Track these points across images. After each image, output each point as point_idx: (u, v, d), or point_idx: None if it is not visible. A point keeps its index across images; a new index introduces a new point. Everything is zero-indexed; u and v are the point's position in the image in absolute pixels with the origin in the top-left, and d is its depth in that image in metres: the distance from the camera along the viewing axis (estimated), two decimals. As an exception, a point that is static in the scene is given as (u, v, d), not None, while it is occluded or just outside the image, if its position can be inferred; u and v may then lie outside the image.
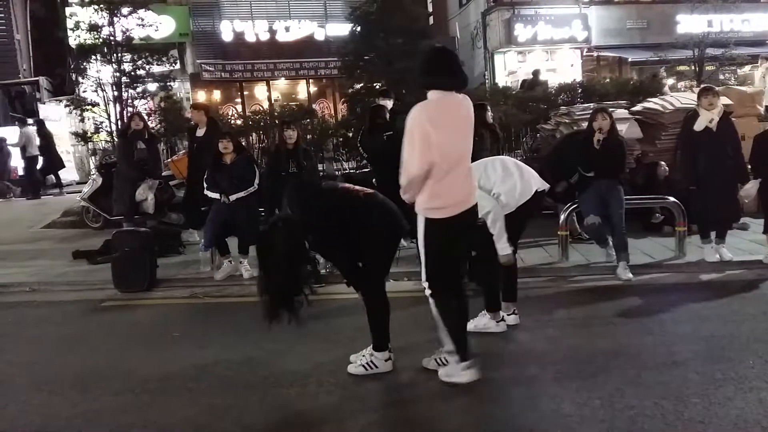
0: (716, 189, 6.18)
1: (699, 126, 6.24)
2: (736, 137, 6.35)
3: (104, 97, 11.61)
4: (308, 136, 10.19)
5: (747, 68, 14.51)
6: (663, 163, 7.86)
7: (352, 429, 3.31)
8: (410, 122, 3.62)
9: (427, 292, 3.82)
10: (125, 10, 11.34)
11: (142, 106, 11.84)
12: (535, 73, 13.85)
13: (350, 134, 10.45)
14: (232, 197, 6.56)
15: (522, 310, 5.00)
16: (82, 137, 12.15)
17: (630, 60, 17.01)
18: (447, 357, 3.80)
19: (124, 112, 11.28)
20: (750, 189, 6.34)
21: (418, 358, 4.24)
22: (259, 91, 19.01)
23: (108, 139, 12.04)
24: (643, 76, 14.55)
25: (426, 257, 3.76)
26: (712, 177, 6.15)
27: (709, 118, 6.19)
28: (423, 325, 5.04)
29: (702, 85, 7.83)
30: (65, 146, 15.64)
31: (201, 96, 17.65)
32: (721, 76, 14.45)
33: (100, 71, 11.64)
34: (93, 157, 12.96)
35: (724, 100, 8.09)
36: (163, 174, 9.05)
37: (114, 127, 11.47)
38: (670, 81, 14.25)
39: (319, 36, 18.15)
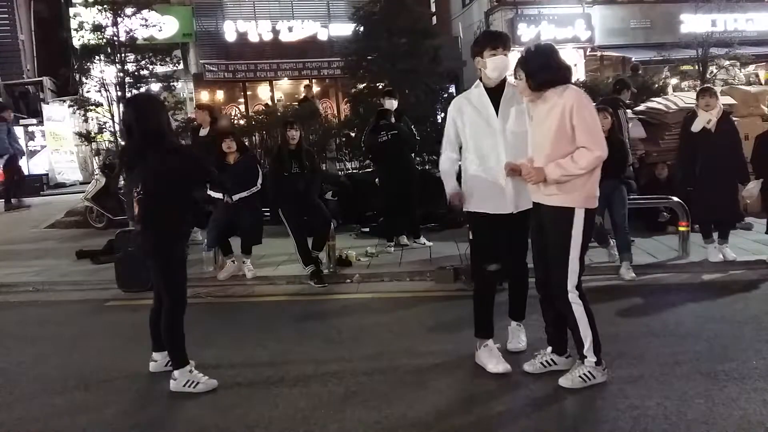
0: (715, 189, 6.17)
1: (696, 127, 6.24)
2: (735, 137, 6.33)
3: (108, 97, 11.62)
4: (311, 136, 10.19)
5: (752, 67, 14.47)
6: (666, 163, 7.85)
7: (355, 429, 3.31)
8: (580, 101, 3.46)
9: (573, 297, 3.57)
10: (129, 11, 11.35)
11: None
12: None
13: (353, 134, 10.44)
14: (236, 197, 6.57)
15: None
16: (86, 137, 12.16)
17: (633, 60, 16.94)
18: (588, 368, 3.60)
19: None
20: (752, 189, 6.33)
21: (421, 358, 4.25)
22: (263, 91, 19.00)
23: (111, 139, 12.06)
24: (647, 75, 14.51)
25: (578, 255, 3.54)
26: (710, 177, 6.14)
27: (706, 119, 6.18)
28: (426, 326, 5.06)
29: (702, 86, 7.82)
30: (69, 146, 15.68)
31: (204, 96, 17.67)
32: (726, 75, 14.40)
33: (103, 71, 11.65)
34: (96, 158, 12.98)
35: (728, 100, 8.09)
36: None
37: (118, 128, 11.48)
38: (674, 80, 14.21)
39: (322, 36, 18.14)
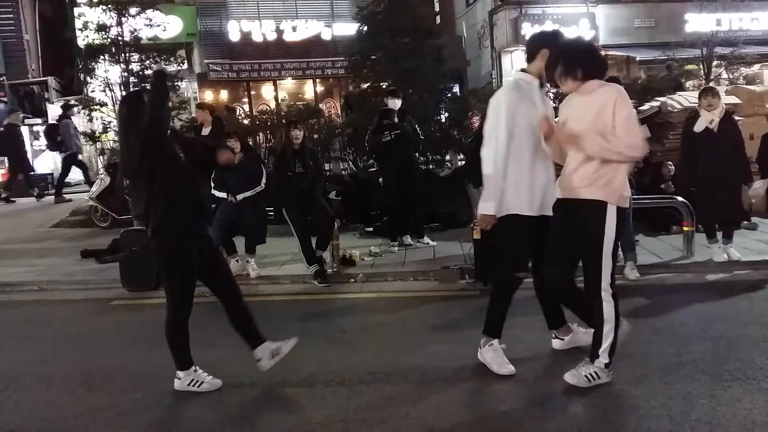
0: (717, 189, 6.15)
1: (699, 127, 6.22)
2: (738, 137, 6.32)
3: (112, 97, 11.66)
4: (315, 136, 10.20)
5: (756, 67, 14.41)
6: (670, 162, 7.84)
7: (359, 429, 3.31)
8: (623, 97, 3.46)
9: (606, 296, 3.52)
10: (133, 11, 11.39)
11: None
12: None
13: (356, 134, 10.46)
14: (239, 196, 6.59)
15: (529, 310, 4.99)
16: (91, 137, 12.22)
17: (638, 59, 16.91)
18: (596, 368, 3.59)
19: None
20: (758, 189, 6.32)
21: (424, 358, 4.25)
22: (266, 90, 19.03)
23: (116, 138, 12.08)
24: (651, 74, 14.47)
25: (610, 253, 3.50)
26: (712, 177, 6.13)
27: (709, 118, 6.17)
28: (429, 325, 5.06)
29: (704, 86, 7.81)
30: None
31: (208, 96, 17.70)
32: (730, 75, 14.35)
33: (108, 71, 11.69)
34: (101, 157, 13.02)
35: (733, 99, 8.06)
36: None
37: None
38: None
39: (326, 36, 18.15)
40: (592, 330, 3.86)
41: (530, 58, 3.90)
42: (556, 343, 4.17)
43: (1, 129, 13.12)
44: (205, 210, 3.96)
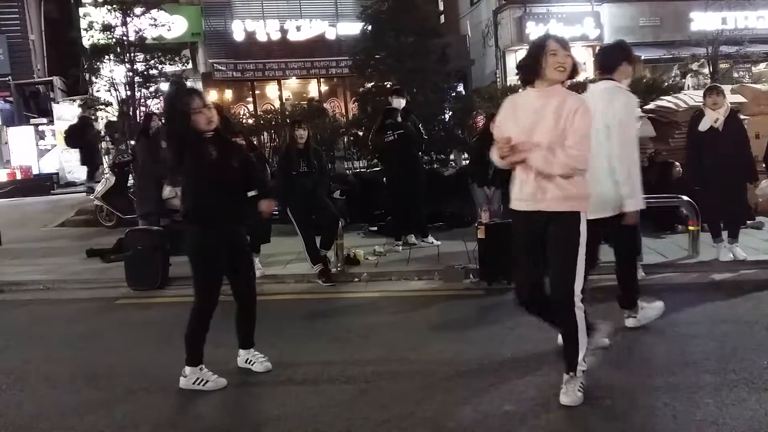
0: (723, 188, 6.12)
1: (704, 126, 6.18)
2: (743, 136, 6.28)
3: (117, 96, 11.71)
4: (319, 135, 10.21)
5: (762, 66, 14.37)
6: (677, 162, 7.81)
7: (363, 428, 3.31)
8: (586, 107, 3.41)
9: (578, 301, 3.44)
10: (138, 10, 11.43)
11: (154, 105, 11.92)
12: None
13: (360, 133, 10.46)
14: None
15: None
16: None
17: (643, 58, 16.83)
18: (581, 378, 3.47)
19: (137, 112, 11.37)
20: (765, 188, 6.29)
21: (429, 357, 4.25)
22: (271, 90, 19.05)
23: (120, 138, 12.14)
24: (656, 74, 14.43)
25: (583, 257, 3.45)
26: (718, 176, 6.09)
27: (714, 117, 6.13)
28: (434, 325, 5.06)
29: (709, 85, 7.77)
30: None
31: (213, 95, 17.72)
32: (735, 74, 14.32)
33: (113, 71, 11.74)
34: (106, 157, 13.07)
35: (738, 98, 8.03)
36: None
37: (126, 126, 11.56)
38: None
39: (330, 35, 18.16)
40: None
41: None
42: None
43: (75, 122, 13.24)
44: (236, 207, 4.04)
